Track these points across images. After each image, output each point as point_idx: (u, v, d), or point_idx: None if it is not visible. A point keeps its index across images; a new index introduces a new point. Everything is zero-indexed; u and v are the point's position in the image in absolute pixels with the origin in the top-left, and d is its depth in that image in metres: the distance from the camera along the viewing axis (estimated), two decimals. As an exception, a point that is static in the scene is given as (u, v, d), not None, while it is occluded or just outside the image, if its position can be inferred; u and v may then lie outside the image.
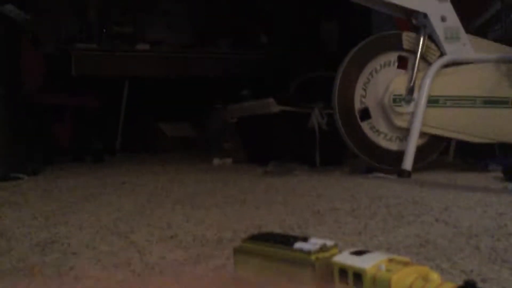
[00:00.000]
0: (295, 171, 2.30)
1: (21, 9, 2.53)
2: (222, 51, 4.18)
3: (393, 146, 2.21)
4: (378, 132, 2.20)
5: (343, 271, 0.60)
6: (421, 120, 2.13)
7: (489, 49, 2.28)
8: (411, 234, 1.06)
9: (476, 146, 2.32)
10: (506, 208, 1.32)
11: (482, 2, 2.68)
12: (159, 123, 4.00)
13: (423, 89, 2.14)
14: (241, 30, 4.29)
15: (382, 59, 2.20)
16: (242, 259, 0.73)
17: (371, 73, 2.19)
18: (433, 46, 2.21)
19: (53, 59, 3.52)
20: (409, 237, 1.04)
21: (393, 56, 2.21)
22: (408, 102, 2.16)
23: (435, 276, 0.55)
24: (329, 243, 0.67)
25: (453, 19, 2.22)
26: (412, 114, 2.15)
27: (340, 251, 0.65)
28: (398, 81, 2.18)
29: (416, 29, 2.21)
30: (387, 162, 2.17)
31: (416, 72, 2.16)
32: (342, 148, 2.33)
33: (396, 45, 2.21)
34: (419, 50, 2.17)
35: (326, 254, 0.64)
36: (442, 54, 2.21)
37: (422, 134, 2.18)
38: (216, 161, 2.86)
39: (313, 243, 0.67)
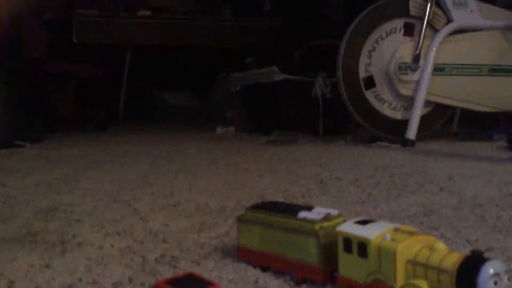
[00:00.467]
0: (298, 140, 2.29)
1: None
2: (225, 18, 4.12)
3: (397, 115, 2.19)
4: (382, 100, 2.18)
5: (348, 240, 0.59)
6: (426, 88, 2.11)
7: (497, 16, 2.24)
8: (415, 203, 1.06)
9: (481, 115, 2.30)
10: (511, 177, 1.31)
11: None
12: (162, 92, 3.98)
13: (429, 56, 2.11)
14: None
15: (387, 26, 2.16)
16: (245, 228, 0.72)
17: (376, 41, 2.16)
18: (440, 12, 2.17)
19: (55, 26, 3.48)
20: (413, 206, 1.03)
21: (399, 23, 2.17)
22: (414, 70, 2.14)
23: (441, 246, 0.54)
24: (334, 212, 0.67)
25: (461, -15, 2.17)
26: (418, 82, 2.12)
27: (344, 220, 0.64)
28: (404, 49, 2.15)
29: (423, -5, 2.17)
30: (391, 131, 2.16)
31: (423, 40, 2.12)
32: (346, 117, 2.32)
33: (402, 11, 2.17)
34: (426, 16, 2.13)
35: (330, 224, 0.64)
36: (449, 20, 2.17)
37: (427, 103, 2.16)
38: (219, 130, 2.85)
39: (317, 212, 0.66)
